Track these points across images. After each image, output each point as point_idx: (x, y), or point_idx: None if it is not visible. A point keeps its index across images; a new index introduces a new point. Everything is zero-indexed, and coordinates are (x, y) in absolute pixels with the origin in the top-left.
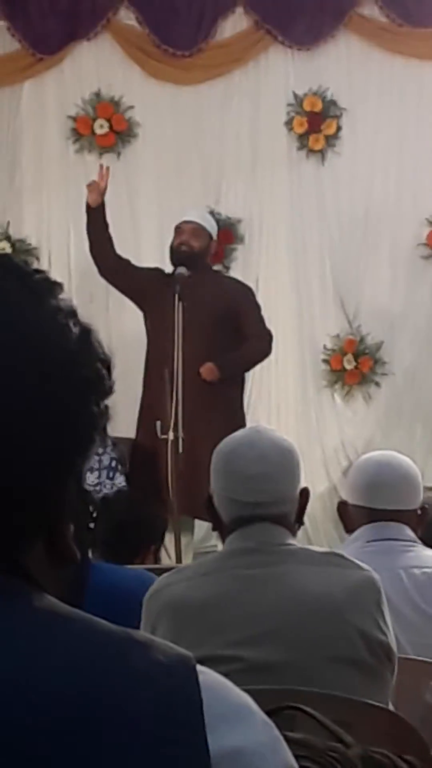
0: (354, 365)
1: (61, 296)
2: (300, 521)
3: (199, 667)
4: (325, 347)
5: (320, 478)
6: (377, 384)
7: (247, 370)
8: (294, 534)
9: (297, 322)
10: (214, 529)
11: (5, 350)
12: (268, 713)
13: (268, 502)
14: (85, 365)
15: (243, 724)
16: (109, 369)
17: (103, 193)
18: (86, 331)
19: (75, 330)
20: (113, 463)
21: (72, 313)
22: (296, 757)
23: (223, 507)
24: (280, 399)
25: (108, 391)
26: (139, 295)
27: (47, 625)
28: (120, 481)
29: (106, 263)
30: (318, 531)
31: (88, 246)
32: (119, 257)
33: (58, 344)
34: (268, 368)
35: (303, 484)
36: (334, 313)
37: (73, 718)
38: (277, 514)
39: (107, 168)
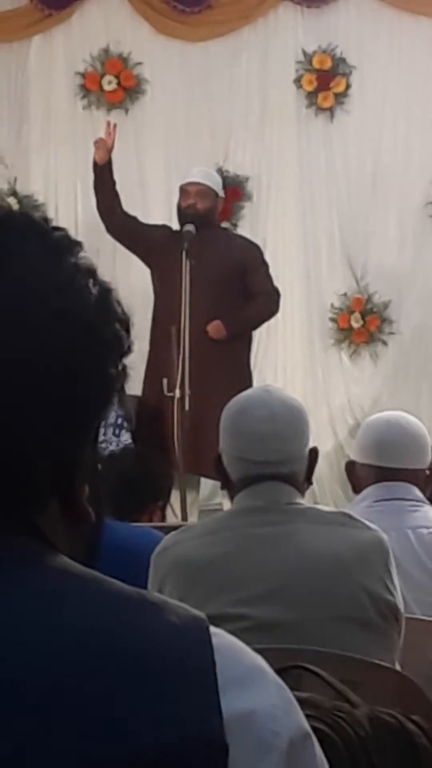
0: (361, 324)
1: (80, 255)
2: (309, 480)
3: (213, 629)
4: (332, 306)
5: (327, 436)
6: (384, 343)
7: (255, 328)
8: (302, 493)
9: (304, 281)
10: (222, 487)
11: (22, 313)
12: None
13: (278, 462)
14: (103, 326)
15: (256, 686)
16: (128, 329)
17: (110, 150)
18: (105, 291)
19: (94, 290)
20: (119, 420)
21: (91, 273)
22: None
23: (232, 466)
24: (287, 357)
25: (126, 351)
26: (147, 252)
27: (60, 586)
28: (126, 438)
29: (113, 221)
30: (324, 490)
31: (95, 203)
32: (126, 215)
33: (75, 306)
34: (275, 326)
35: (311, 443)
36: (342, 272)
37: (84, 679)
38: (286, 474)
39: (114, 125)
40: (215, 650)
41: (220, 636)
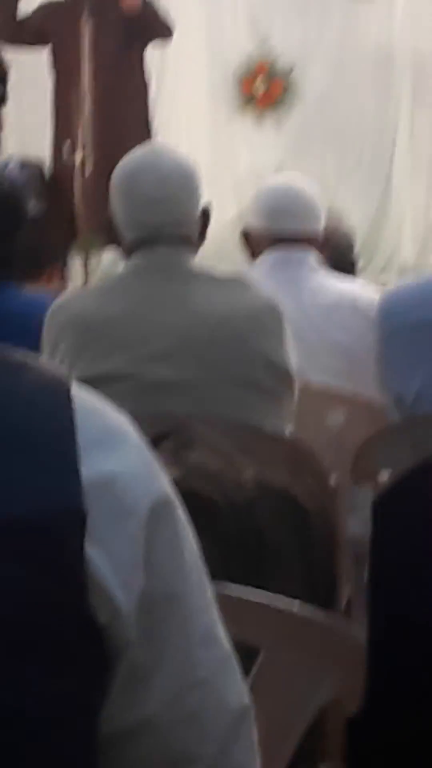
0: (265, 89)
1: None
2: (202, 239)
3: (75, 390)
4: (235, 70)
5: (230, 203)
6: (289, 109)
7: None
8: (196, 252)
9: (205, 40)
10: (116, 248)
11: None
12: (163, 436)
13: (171, 224)
14: None
15: (117, 449)
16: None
17: None
18: None
19: None
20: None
21: None
22: (189, 480)
23: (126, 228)
24: (191, 122)
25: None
26: (45, 40)
27: None
28: (31, 205)
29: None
30: (224, 258)
31: None
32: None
33: None
34: (178, 89)
35: (217, 209)
36: (246, 32)
37: None
38: (179, 235)
39: None
40: (76, 412)
41: (82, 398)
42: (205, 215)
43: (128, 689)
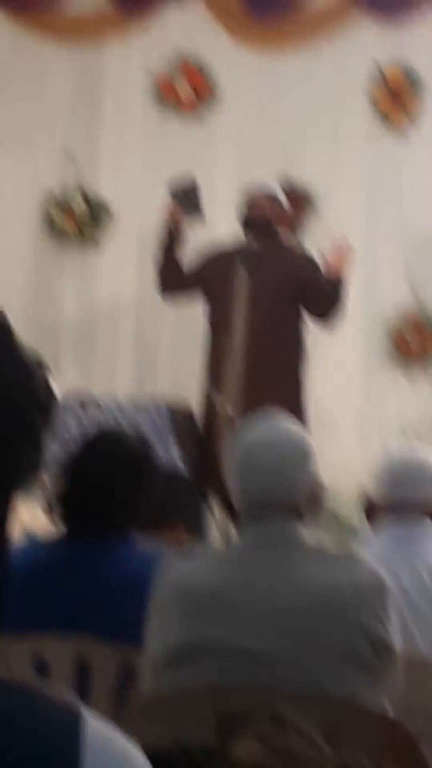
0: (419, 345)
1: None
2: (316, 510)
3: (86, 718)
4: (391, 327)
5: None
6: None
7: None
8: (309, 523)
9: (363, 296)
10: (228, 516)
11: None
12: (249, 713)
13: (282, 498)
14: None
15: None
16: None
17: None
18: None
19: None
20: (170, 436)
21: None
22: (271, 762)
23: (238, 499)
24: (341, 375)
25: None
26: (202, 288)
27: None
28: (174, 451)
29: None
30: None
31: (158, 282)
32: (186, 278)
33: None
34: (329, 342)
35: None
36: (404, 292)
37: None
38: (290, 510)
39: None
40: (84, 739)
41: (92, 726)
42: (315, 489)
43: None
